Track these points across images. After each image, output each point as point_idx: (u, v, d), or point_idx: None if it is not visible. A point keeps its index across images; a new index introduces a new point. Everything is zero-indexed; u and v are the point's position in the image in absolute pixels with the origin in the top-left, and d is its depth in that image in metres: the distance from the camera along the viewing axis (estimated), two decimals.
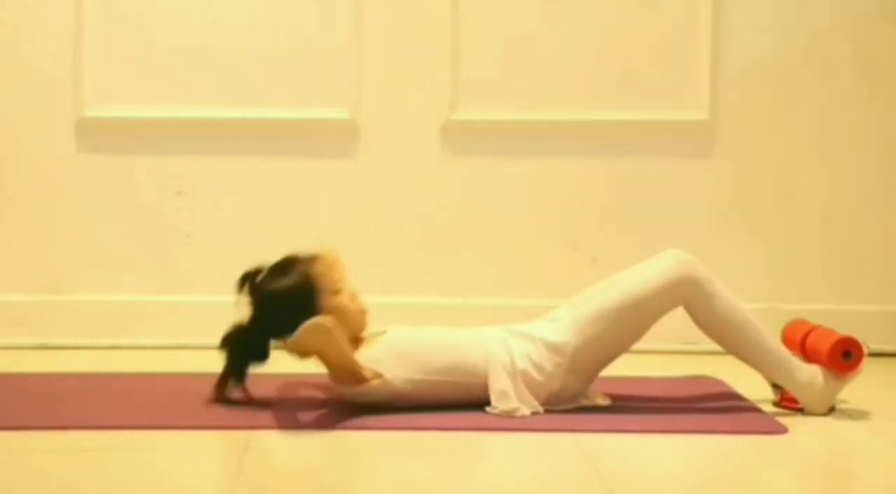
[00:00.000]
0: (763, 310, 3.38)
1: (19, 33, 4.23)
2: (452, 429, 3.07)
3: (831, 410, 3.33)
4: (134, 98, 4.25)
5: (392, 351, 3.24)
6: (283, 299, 3.25)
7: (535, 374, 3.22)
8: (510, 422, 3.13)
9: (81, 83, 4.23)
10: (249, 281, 3.30)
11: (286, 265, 3.30)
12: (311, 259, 3.30)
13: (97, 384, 3.59)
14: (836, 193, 4.35)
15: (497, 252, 4.30)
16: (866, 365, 3.33)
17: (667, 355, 4.02)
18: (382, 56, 4.28)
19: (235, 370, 3.30)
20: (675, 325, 3.34)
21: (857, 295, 4.34)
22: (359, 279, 4.27)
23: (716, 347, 3.41)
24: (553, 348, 3.23)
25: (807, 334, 3.41)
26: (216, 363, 3.99)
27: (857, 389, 3.40)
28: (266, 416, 3.20)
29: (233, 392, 3.32)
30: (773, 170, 4.34)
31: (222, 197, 4.29)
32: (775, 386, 3.39)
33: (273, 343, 3.28)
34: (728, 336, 3.29)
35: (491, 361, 3.23)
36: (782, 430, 3.13)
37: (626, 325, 3.25)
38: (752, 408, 3.36)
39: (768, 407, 3.37)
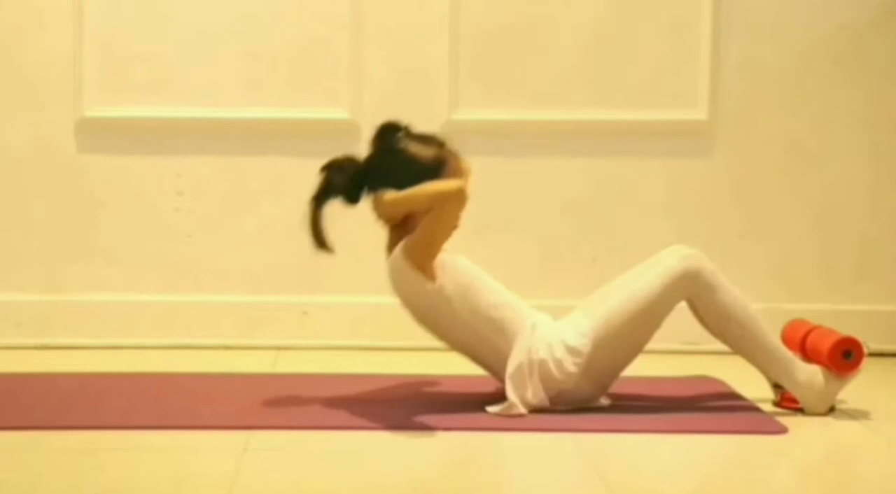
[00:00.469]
0: (762, 310, 3.38)
1: (19, 33, 4.23)
2: (453, 429, 3.07)
3: (831, 410, 3.33)
4: (134, 98, 4.25)
5: (455, 268, 3.27)
6: (408, 162, 3.28)
7: (552, 367, 3.22)
8: (510, 422, 3.14)
9: (81, 83, 4.23)
10: (390, 130, 3.33)
11: (431, 139, 3.34)
12: (455, 155, 3.33)
13: (98, 384, 3.59)
14: (834, 193, 4.35)
15: (497, 251, 4.29)
16: (866, 365, 3.33)
17: (667, 355, 4.02)
18: (382, 56, 4.28)
19: (323, 193, 3.30)
20: (676, 325, 3.34)
21: (855, 295, 4.34)
22: (359, 279, 4.30)
23: (716, 347, 3.41)
24: (572, 350, 3.23)
25: (807, 334, 3.42)
26: (216, 363, 4.00)
27: (857, 389, 3.40)
28: (266, 416, 3.20)
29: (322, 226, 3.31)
30: (773, 170, 4.34)
31: (222, 196, 4.29)
32: (776, 386, 3.39)
33: (366, 195, 3.30)
34: (729, 330, 3.29)
35: (519, 336, 3.24)
36: (782, 430, 3.13)
37: (637, 328, 3.25)
38: (752, 408, 3.36)
39: (768, 407, 3.37)
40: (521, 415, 3.18)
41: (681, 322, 3.33)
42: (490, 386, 3.46)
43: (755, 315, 3.30)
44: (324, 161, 4.03)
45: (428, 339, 4.24)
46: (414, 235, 3.23)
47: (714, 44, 4.28)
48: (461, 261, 3.32)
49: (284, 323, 4.28)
